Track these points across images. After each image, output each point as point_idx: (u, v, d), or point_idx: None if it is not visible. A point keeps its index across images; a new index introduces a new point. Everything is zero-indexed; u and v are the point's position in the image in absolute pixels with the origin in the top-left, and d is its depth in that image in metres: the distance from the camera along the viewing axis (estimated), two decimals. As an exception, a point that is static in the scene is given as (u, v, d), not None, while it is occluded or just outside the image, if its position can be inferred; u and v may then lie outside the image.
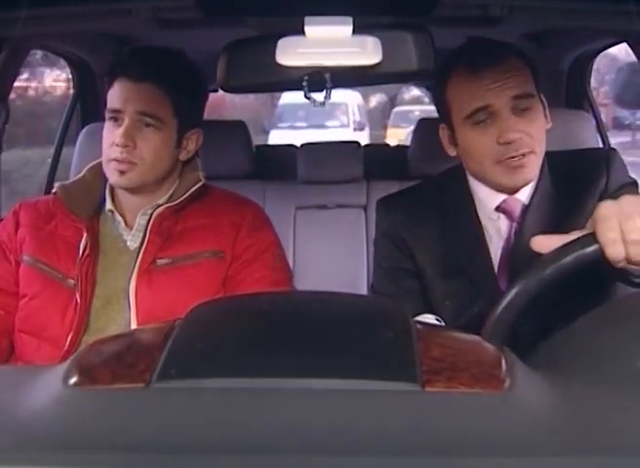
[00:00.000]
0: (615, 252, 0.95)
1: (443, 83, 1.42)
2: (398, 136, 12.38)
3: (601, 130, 2.44)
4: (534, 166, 1.39)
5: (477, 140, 1.38)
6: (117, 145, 1.47)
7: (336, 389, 0.57)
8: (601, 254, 0.95)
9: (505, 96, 1.36)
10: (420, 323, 0.70)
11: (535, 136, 1.37)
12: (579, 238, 0.97)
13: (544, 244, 0.99)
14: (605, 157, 1.45)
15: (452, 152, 1.48)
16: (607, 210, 0.97)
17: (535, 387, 0.62)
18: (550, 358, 0.74)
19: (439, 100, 1.46)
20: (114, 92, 1.50)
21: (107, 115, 1.51)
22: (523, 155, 1.36)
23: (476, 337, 0.75)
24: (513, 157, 1.36)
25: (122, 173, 1.48)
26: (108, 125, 1.50)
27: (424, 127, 2.42)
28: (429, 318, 1.40)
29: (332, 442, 0.52)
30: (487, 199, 1.45)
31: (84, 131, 2.12)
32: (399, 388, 0.58)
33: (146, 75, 1.48)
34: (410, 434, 0.53)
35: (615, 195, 1.37)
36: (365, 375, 0.59)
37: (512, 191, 1.43)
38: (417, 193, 1.55)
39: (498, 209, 1.44)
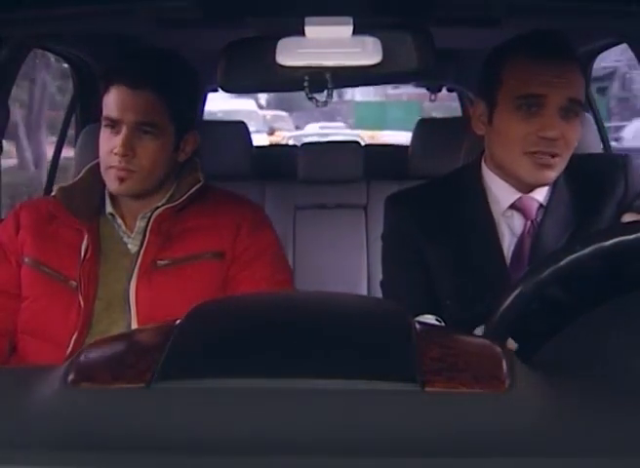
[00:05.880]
0: None
1: (503, 57, 1.41)
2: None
3: (601, 130, 2.44)
4: (558, 170, 1.39)
5: (516, 125, 1.37)
6: (116, 154, 1.46)
7: (336, 389, 0.57)
8: None
9: (563, 93, 1.35)
10: (420, 323, 0.70)
11: (569, 143, 1.37)
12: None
13: None
14: (622, 164, 1.46)
15: (479, 130, 1.46)
16: None
17: (535, 387, 0.62)
18: (551, 358, 0.74)
19: (490, 74, 1.43)
20: (111, 99, 1.47)
21: (104, 122, 1.49)
22: (552, 155, 1.36)
23: (476, 338, 0.75)
24: (543, 153, 1.36)
25: (121, 180, 1.47)
26: (105, 131, 1.49)
27: (424, 127, 2.42)
28: (429, 318, 1.39)
29: (332, 442, 0.52)
30: (501, 196, 1.44)
31: (84, 131, 2.12)
32: (399, 388, 0.58)
33: (144, 82, 1.46)
34: (410, 434, 0.53)
35: (635, 204, 1.40)
36: (365, 375, 0.59)
37: (527, 190, 1.42)
38: (426, 190, 1.54)
39: (512, 206, 1.43)
